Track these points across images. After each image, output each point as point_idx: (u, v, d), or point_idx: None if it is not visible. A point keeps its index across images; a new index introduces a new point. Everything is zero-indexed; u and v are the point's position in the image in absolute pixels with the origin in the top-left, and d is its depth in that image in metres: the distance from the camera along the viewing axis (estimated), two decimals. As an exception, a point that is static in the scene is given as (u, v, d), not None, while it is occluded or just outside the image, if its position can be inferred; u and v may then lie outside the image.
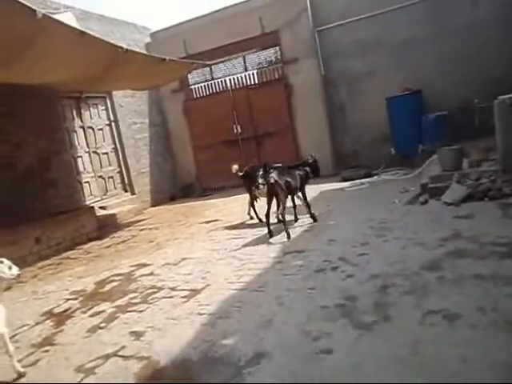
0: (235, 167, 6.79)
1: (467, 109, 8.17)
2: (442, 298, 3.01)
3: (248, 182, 6.59)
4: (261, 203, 6.42)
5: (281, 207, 5.52)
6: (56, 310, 4.36)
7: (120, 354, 3.13)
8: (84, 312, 4.17)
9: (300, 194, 6.00)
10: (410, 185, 6.95)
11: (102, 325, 3.75)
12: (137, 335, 3.39)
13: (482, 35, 8.45)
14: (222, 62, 10.77)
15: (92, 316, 4.02)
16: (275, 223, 5.89)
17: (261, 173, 6.23)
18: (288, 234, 5.34)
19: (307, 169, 6.03)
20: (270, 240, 5.40)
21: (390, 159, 9.14)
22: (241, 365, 2.66)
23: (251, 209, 6.75)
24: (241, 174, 6.70)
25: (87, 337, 3.57)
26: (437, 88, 8.82)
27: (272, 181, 5.44)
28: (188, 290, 4.21)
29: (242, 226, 6.63)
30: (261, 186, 6.25)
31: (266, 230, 5.60)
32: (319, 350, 2.66)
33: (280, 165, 6.25)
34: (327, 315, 3.11)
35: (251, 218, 6.75)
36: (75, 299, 4.61)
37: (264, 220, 5.80)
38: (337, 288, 3.56)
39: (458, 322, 2.68)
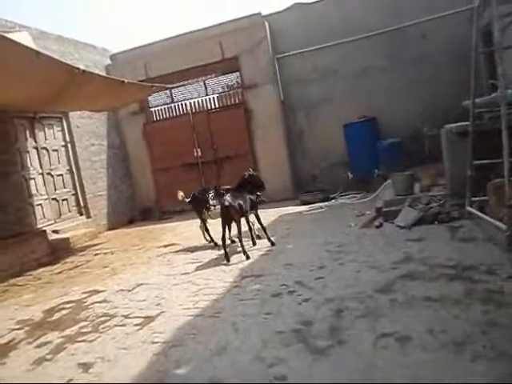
0: (181, 194, 6.80)
1: (418, 136, 8.58)
2: (394, 321, 3.07)
3: (198, 206, 6.64)
4: (214, 226, 6.40)
5: (237, 229, 5.54)
6: (-2, 342, 4.10)
7: (66, 387, 2.97)
8: (30, 343, 3.92)
9: (254, 217, 6.01)
10: (365, 208, 7.13)
11: (49, 356, 3.54)
12: (85, 367, 3.22)
13: (431, 67, 8.95)
14: (183, 85, 10.80)
15: (38, 347, 3.80)
16: (229, 244, 5.90)
17: (211, 194, 6.39)
18: (247, 256, 5.38)
19: (258, 193, 6.14)
20: (227, 264, 5.35)
21: (348, 183, 9.37)
22: (193, 395, 2.58)
23: (205, 232, 6.71)
24: (188, 200, 6.74)
25: (32, 369, 3.35)
26: (390, 116, 9.23)
27: (226, 203, 5.48)
28: (142, 317, 4.07)
29: (199, 249, 6.54)
30: (212, 208, 6.36)
31: (222, 254, 5.56)
32: (273, 376, 2.62)
33: (228, 187, 6.29)
34: (283, 340, 3.09)
35: (209, 241, 6.68)
36: (20, 329, 4.34)
37: (219, 243, 5.81)
38: (293, 312, 3.55)
39: (410, 344, 2.73)
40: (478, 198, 5.27)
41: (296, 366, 2.72)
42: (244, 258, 5.43)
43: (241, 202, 5.65)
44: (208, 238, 6.68)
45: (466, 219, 5.33)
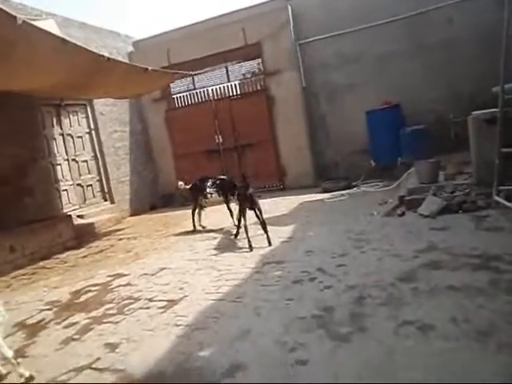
0: (180, 183, 7.57)
1: (443, 123, 8.40)
2: (416, 309, 3.06)
3: (196, 193, 7.24)
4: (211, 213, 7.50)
5: (262, 216, 5.63)
6: (29, 321, 4.25)
7: (94, 366, 3.07)
8: (58, 323, 4.07)
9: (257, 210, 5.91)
10: (388, 197, 7.05)
11: (76, 336, 3.68)
12: (112, 347, 3.34)
13: (456, 52, 8.71)
14: (205, 72, 10.81)
15: (66, 327, 3.94)
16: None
17: (209, 183, 6.99)
18: (270, 242, 5.47)
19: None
20: (250, 251, 5.40)
21: (370, 171, 9.28)
22: (216, 377, 2.64)
23: (195, 218, 7.29)
24: (188, 186, 7.43)
25: (60, 349, 3.49)
26: (415, 102, 9.02)
27: (250, 190, 5.65)
28: (165, 300, 4.17)
29: (221, 236, 6.61)
30: (208, 196, 7.07)
31: (245, 241, 5.60)
32: (295, 361, 2.66)
33: (225, 177, 7.17)
34: (304, 326, 3.12)
35: (200, 227, 7.28)
36: (49, 310, 4.51)
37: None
38: (314, 299, 3.58)
39: (432, 333, 2.72)
40: (505, 187, 5.14)
41: (317, 351, 2.75)
42: (266, 244, 5.47)
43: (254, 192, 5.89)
44: (197, 224, 7.29)
45: (493, 209, 5.21)
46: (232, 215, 6.89)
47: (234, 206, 6.43)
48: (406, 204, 6.08)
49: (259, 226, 5.71)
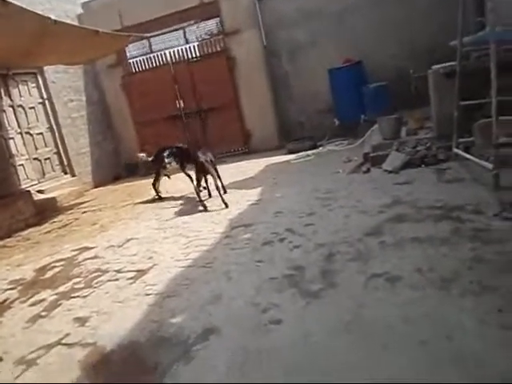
0: (141, 155, 7.86)
1: (404, 78, 8.41)
2: (383, 262, 3.13)
3: (157, 165, 7.29)
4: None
5: (217, 180, 6.06)
6: (-8, 302, 4.11)
7: (63, 342, 3.00)
8: (23, 302, 3.94)
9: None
10: (353, 154, 7.11)
11: (44, 313, 3.57)
12: (81, 321, 3.26)
13: (415, 6, 8.64)
14: (162, 34, 10.32)
15: (33, 305, 3.82)
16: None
17: (167, 153, 7.03)
18: (226, 204, 5.68)
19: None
20: (215, 214, 5.42)
21: (334, 130, 9.29)
22: (190, 342, 2.63)
23: (155, 187, 7.32)
24: (150, 158, 7.55)
25: (28, 327, 3.38)
26: (376, 58, 8.97)
27: (203, 159, 5.92)
28: (134, 271, 4.10)
29: (188, 202, 6.52)
30: (167, 165, 7.13)
31: (212, 206, 5.58)
32: (268, 321, 2.69)
33: (181, 145, 7.26)
34: (275, 286, 3.14)
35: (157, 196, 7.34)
36: (13, 289, 4.34)
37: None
38: (284, 259, 3.60)
39: (399, 284, 2.79)
40: (464, 140, 5.26)
41: (289, 309, 2.78)
42: (223, 206, 5.69)
43: (211, 157, 6.25)
44: (158, 192, 7.35)
45: (453, 161, 5.35)
46: (192, 181, 6.87)
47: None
48: (370, 161, 6.15)
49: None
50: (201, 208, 5.87)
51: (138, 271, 4.06)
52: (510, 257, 2.83)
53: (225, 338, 2.62)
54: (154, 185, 7.33)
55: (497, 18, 4.28)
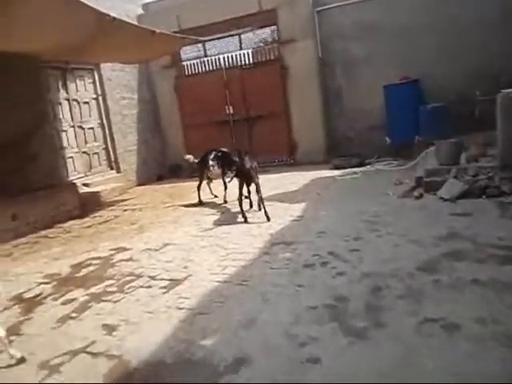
0: (188, 157, 7.59)
1: (466, 101, 7.94)
2: (438, 305, 2.81)
3: (202, 167, 7.18)
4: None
5: (259, 193, 5.67)
6: (26, 295, 4.08)
7: (89, 350, 2.88)
8: (56, 299, 3.89)
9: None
10: (404, 177, 6.74)
11: (74, 315, 3.49)
12: (109, 329, 3.14)
13: (482, 27, 8.15)
14: (217, 38, 10.33)
15: (64, 304, 3.76)
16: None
17: (212, 156, 6.90)
18: (268, 218, 5.43)
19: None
20: (255, 227, 5.22)
21: (385, 149, 8.91)
22: (219, 371, 2.43)
23: (199, 190, 7.23)
24: (197, 161, 7.36)
25: (56, 328, 3.30)
26: (435, 78, 8.54)
27: (248, 166, 5.60)
28: (168, 279, 3.96)
29: (229, 210, 6.38)
30: (211, 168, 6.96)
31: (253, 218, 5.39)
32: (305, 358, 2.44)
33: (226, 150, 7.06)
34: (315, 317, 2.89)
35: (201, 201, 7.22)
36: (48, 283, 4.33)
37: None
38: (326, 286, 3.34)
39: (457, 334, 2.47)
40: (533, 172, 4.82)
41: (329, 347, 2.52)
42: (264, 218, 5.48)
43: (256, 165, 5.88)
44: (211, 194, 7.37)
45: (518, 195, 4.91)
46: (226, 189, 6.96)
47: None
48: (424, 186, 5.77)
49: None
50: (241, 219, 5.69)
51: (172, 280, 3.92)
52: None
53: (257, 370, 2.40)
54: (198, 188, 7.26)
55: None
